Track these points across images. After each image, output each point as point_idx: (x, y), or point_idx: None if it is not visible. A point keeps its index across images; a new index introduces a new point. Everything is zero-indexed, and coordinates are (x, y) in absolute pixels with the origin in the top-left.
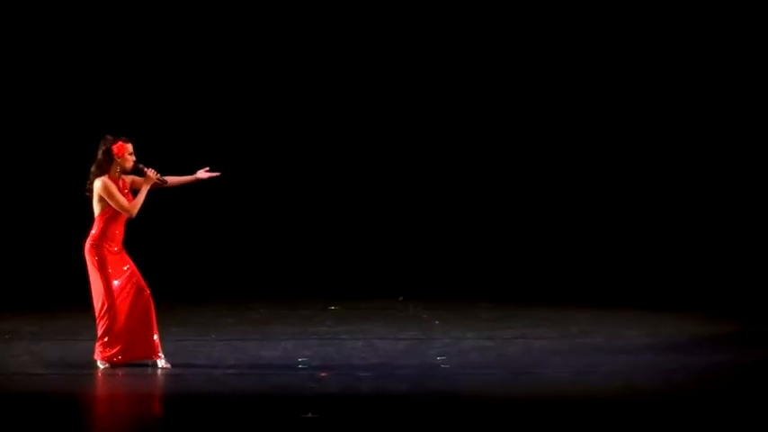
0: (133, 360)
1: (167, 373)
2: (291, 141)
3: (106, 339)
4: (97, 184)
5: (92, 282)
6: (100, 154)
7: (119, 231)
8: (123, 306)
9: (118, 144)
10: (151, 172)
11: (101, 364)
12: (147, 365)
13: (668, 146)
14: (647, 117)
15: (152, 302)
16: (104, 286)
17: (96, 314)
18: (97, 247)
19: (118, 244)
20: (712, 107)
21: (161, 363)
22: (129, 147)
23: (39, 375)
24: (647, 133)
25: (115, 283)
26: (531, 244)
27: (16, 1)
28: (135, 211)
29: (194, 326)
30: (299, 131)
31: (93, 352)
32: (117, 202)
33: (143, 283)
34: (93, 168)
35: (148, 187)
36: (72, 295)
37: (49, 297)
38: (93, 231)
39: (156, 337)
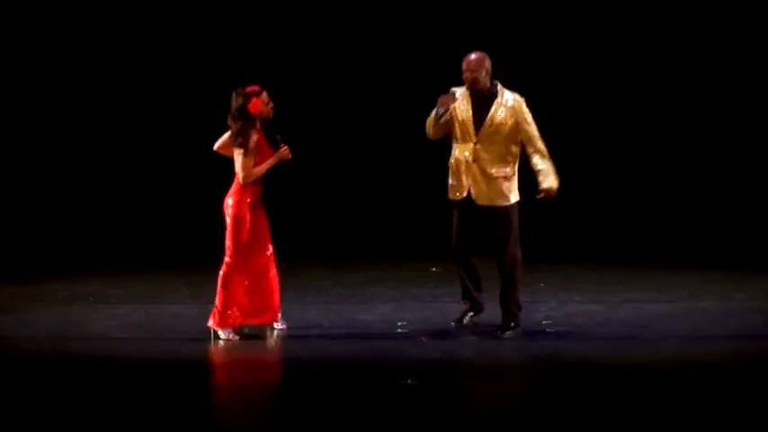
0: (250, 324)
1: (258, 340)
2: (393, 103)
3: (225, 304)
4: (254, 138)
5: (226, 238)
6: (236, 110)
7: (259, 190)
8: (252, 270)
9: (252, 102)
10: (285, 150)
11: (222, 334)
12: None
13: None
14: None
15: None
16: (233, 245)
17: (223, 272)
18: (237, 203)
19: (257, 197)
20: None
21: (278, 325)
22: (264, 97)
23: (122, 340)
24: None
25: (248, 245)
26: (640, 204)
27: None
28: (249, 180)
29: (289, 288)
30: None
31: (195, 317)
32: (240, 162)
33: (273, 257)
34: (230, 122)
35: (275, 162)
36: (161, 256)
37: (136, 258)
38: (233, 185)
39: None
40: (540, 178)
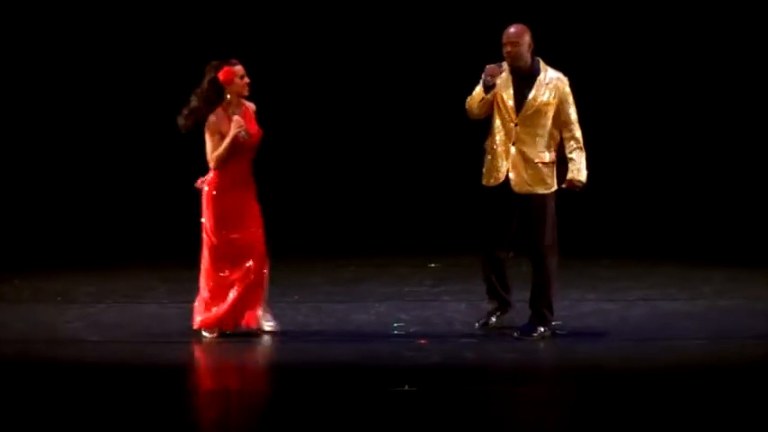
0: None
1: (243, 341)
2: (391, 91)
3: (204, 304)
4: (211, 119)
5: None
6: (206, 84)
7: (240, 170)
8: (232, 267)
9: (224, 70)
10: (236, 122)
11: (205, 333)
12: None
13: None
14: None
15: (266, 277)
16: (211, 239)
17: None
18: (211, 192)
19: (240, 185)
20: None
21: (267, 326)
22: (239, 69)
23: (93, 343)
24: None
25: (230, 237)
26: (658, 195)
27: None
28: (213, 165)
29: (275, 286)
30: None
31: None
32: (209, 146)
33: (263, 249)
34: (195, 102)
35: (229, 142)
36: (135, 252)
37: (108, 254)
38: (209, 174)
39: (259, 311)
40: (570, 166)
